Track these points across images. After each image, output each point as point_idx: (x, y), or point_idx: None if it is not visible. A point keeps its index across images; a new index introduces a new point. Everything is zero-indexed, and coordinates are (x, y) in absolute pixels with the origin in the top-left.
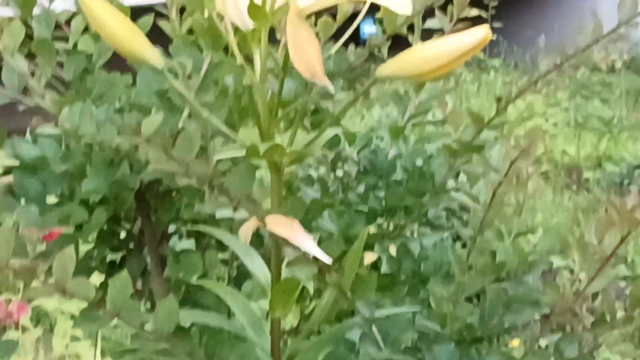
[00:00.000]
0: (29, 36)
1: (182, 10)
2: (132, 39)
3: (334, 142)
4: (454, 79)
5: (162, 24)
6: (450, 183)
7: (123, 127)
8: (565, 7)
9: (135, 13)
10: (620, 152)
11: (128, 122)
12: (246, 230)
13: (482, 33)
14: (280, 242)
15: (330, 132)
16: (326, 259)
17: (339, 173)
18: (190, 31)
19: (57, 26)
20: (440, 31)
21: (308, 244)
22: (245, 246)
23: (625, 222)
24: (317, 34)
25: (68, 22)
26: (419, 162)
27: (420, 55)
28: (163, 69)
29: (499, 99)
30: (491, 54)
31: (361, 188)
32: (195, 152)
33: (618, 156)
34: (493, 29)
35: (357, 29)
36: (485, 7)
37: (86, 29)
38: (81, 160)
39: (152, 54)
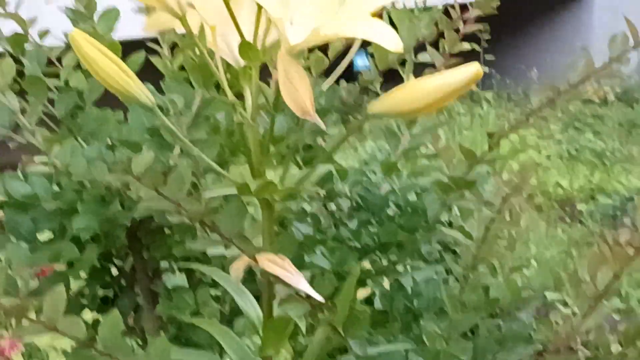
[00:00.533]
0: (20, 72)
1: (173, 46)
2: (123, 78)
3: (326, 178)
4: (447, 111)
5: (154, 59)
6: (445, 217)
7: (114, 165)
8: (557, 41)
9: (128, 46)
10: (613, 184)
11: (119, 159)
12: (237, 268)
13: (473, 70)
14: (272, 280)
15: (322, 169)
16: (318, 297)
17: (332, 208)
18: (183, 67)
19: (49, 62)
20: (433, 65)
21: (300, 282)
22: (236, 284)
23: (618, 259)
24: (309, 69)
25: (59, 58)
26: (412, 197)
27: (412, 93)
28: (153, 106)
29: (491, 135)
30: (484, 87)
31: (354, 224)
32: (186, 191)
33: (611, 188)
34: (486, 62)
35: (351, 62)
36: (477, 41)
37: (78, 65)
38: (72, 198)
39: (142, 92)
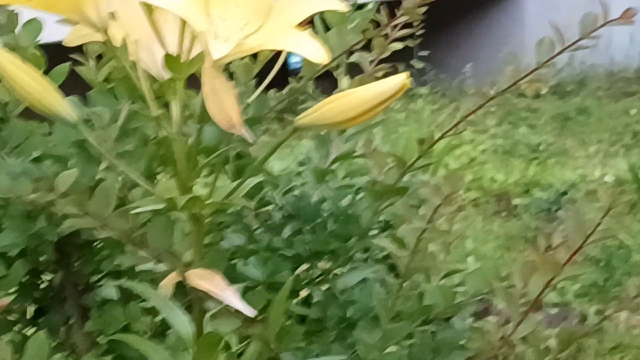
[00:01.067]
0: None
1: (99, 55)
2: (46, 96)
3: (257, 187)
4: None
5: (80, 70)
6: (377, 224)
7: (38, 182)
8: (491, 35)
9: (55, 50)
10: (547, 178)
11: (44, 175)
12: (166, 284)
13: (400, 80)
14: (202, 296)
15: (252, 181)
16: (249, 312)
17: (263, 217)
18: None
19: None
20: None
21: (230, 297)
22: (166, 300)
23: (549, 267)
24: (236, 77)
25: None
26: (344, 203)
27: (340, 105)
28: (76, 122)
29: (421, 141)
30: (418, 83)
31: (286, 232)
32: (112, 207)
33: (546, 182)
34: (420, 57)
35: (285, 61)
36: (411, 36)
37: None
38: None
39: (64, 108)
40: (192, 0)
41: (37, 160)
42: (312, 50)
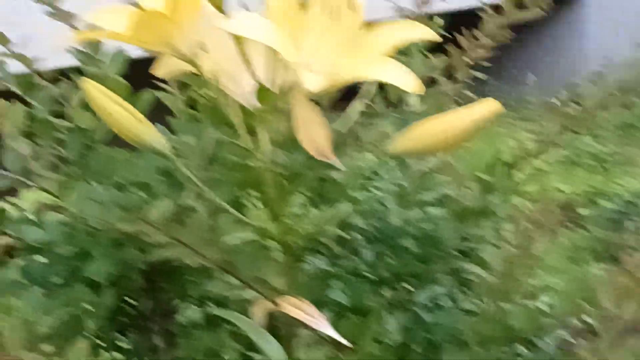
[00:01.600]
0: (28, 113)
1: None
2: (136, 125)
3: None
4: None
5: (162, 95)
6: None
7: (127, 210)
8: (550, 45)
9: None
10: (613, 187)
11: (133, 203)
12: (258, 312)
13: (491, 106)
14: (293, 323)
15: (344, 208)
16: (344, 341)
17: (345, 241)
18: (191, 99)
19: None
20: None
21: (324, 325)
22: (258, 327)
23: None
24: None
25: (66, 96)
26: (426, 226)
27: (431, 131)
28: (169, 153)
29: (506, 164)
30: (478, 93)
31: (369, 255)
32: (204, 238)
33: (611, 192)
34: (480, 68)
35: None
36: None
37: (85, 103)
38: (86, 241)
39: (156, 139)
40: (283, 31)
41: (120, 186)
42: (407, 81)
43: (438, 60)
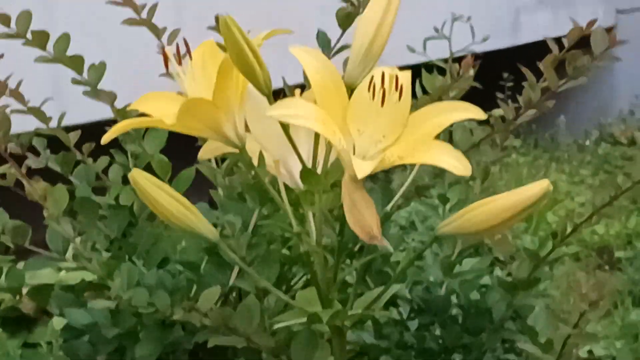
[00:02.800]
0: (69, 192)
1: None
2: (185, 214)
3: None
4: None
5: (203, 169)
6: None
7: (175, 293)
8: (580, 85)
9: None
10: None
11: (178, 285)
12: None
13: (542, 187)
14: None
15: (394, 289)
16: None
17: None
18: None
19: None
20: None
21: None
22: None
23: None
24: None
25: (105, 170)
26: (474, 296)
27: (481, 213)
28: (218, 241)
29: (554, 235)
30: (517, 129)
31: (416, 327)
32: (256, 325)
33: None
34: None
35: None
36: (501, 89)
37: (125, 178)
38: (132, 323)
39: (204, 227)
40: (330, 116)
41: (164, 262)
42: (455, 164)
43: (481, 131)
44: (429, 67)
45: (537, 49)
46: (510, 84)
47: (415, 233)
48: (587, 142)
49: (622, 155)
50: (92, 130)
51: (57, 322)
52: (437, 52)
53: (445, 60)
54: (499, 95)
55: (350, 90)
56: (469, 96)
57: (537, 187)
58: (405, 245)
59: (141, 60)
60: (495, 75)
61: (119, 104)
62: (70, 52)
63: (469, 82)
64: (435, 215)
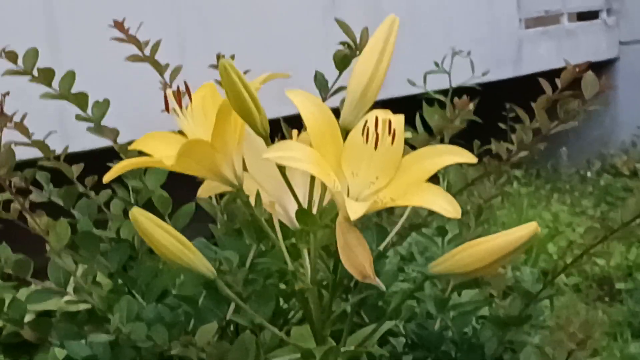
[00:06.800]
0: (71, 225)
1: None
2: (185, 253)
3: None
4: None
5: (203, 203)
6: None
7: (173, 327)
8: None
9: None
10: None
11: (176, 320)
12: None
13: (531, 229)
14: None
15: (387, 325)
16: None
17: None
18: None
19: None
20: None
21: None
22: None
23: None
24: None
25: (107, 203)
26: (467, 331)
27: (470, 255)
28: (215, 279)
29: (545, 273)
30: (512, 165)
31: None
32: (248, 356)
33: None
34: (512, 140)
35: None
36: (503, 119)
37: (125, 212)
38: (131, 356)
39: (202, 265)
40: (325, 159)
41: (164, 295)
42: (446, 207)
43: (474, 170)
44: (430, 99)
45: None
46: (512, 115)
47: (415, 263)
48: (589, 173)
49: (624, 186)
50: (96, 159)
51: (59, 350)
52: (438, 83)
53: (446, 93)
54: (501, 125)
55: (346, 133)
56: (471, 126)
57: (526, 230)
58: (405, 276)
59: (143, 95)
60: (498, 105)
61: (121, 139)
62: (75, 87)
63: (468, 116)
64: (434, 246)
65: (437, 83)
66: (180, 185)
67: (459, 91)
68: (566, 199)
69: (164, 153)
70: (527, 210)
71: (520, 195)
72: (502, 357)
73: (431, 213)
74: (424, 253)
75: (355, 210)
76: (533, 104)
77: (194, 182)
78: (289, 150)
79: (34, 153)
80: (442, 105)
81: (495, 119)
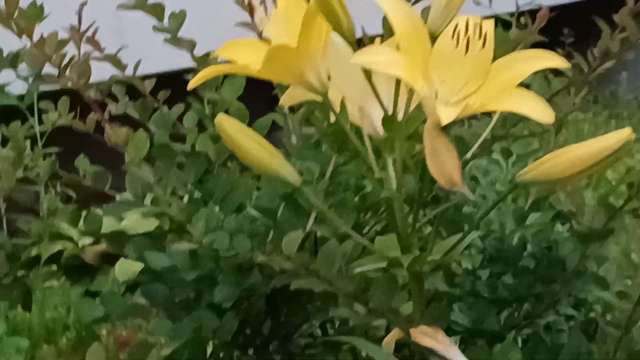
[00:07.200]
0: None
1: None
2: (270, 159)
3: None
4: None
5: (276, 117)
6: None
7: (253, 237)
8: None
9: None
10: None
11: (256, 231)
12: (390, 341)
13: (624, 135)
14: (425, 353)
15: (472, 235)
16: None
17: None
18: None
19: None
20: None
21: (456, 354)
22: (389, 355)
23: None
24: None
25: (180, 118)
26: (547, 246)
27: (563, 162)
28: (301, 186)
29: (630, 185)
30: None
31: (488, 276)
32: (337, 268)
33: None
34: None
35: None
36: (562, 45)
37: (200, 124)
38: (210, 267)
39: (288, 172)
40: (413, 63)
41: (240, 209)
42: (539, 112)
43: (558, 81)
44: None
45: (596, 6)
46: (570, 40)
47: (479, 187)
48: None
49: None
50: (164, 80)
51: (119, 271)
52: (502, 5)
53: (512, 14)
54: (559, 51)
55: (432, 39)
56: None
57: (619, 135)
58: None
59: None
60: (556, 30)
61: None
62: None
63: (534, 37)
64: (496, 170)
65: (501, 6)
66: (252, 105)
67: (523, 14)
68: (624, 125)
69: (247, 60)
70: (585, 136)
71: (577, 121)
72: (582, 272)
73: (514, 125)
74: (486, 176)
75: (446, 114)
76: (615, 16)
77: (265, 98)
78: (378, 55)
79: (103, 73)
80: (505, 26)
81: (552, 45)
